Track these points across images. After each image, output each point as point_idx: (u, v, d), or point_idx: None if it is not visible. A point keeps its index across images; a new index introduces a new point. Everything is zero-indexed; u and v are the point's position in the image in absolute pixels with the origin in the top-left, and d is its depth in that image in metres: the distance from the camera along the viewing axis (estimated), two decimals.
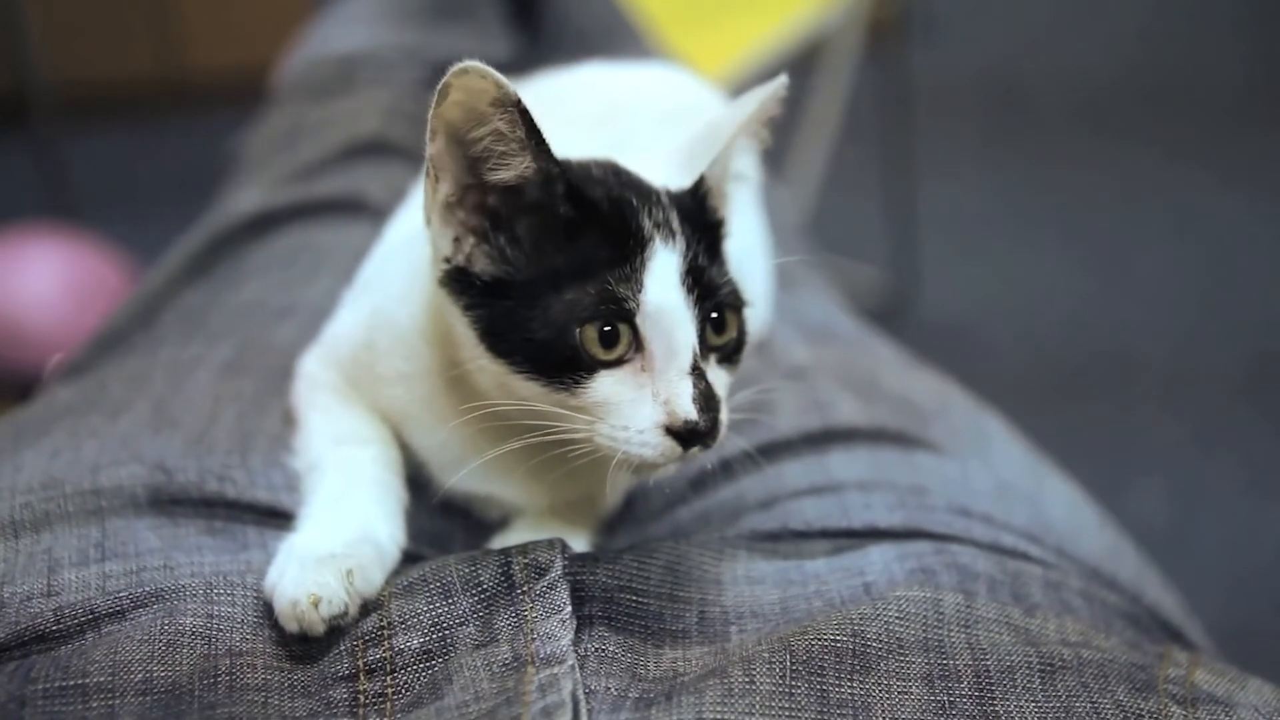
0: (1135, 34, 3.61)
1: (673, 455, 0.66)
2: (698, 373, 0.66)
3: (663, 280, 0.66)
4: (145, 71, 3.16)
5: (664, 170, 0.72)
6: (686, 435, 0.65)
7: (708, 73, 1.39)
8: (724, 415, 0.67)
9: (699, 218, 0.70)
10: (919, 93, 2.66)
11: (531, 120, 0.64)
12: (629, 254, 0.66)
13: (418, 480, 0.78)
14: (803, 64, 2.22)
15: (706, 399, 0.65)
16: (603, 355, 0.65)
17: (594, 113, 0.87)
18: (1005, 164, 2.99)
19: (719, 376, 0.68)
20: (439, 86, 0.63)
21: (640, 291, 0.65)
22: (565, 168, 0.67)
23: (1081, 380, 2.31)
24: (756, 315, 0.98)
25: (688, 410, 0.65)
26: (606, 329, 0.65)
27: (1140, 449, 2.13)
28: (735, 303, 0.70)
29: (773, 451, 0.86)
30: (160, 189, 2.89)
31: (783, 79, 0.70)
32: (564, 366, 0.65)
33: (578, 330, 0.65)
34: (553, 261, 0.66)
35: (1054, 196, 2.86)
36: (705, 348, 0.67)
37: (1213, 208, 2.78)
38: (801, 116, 2.31)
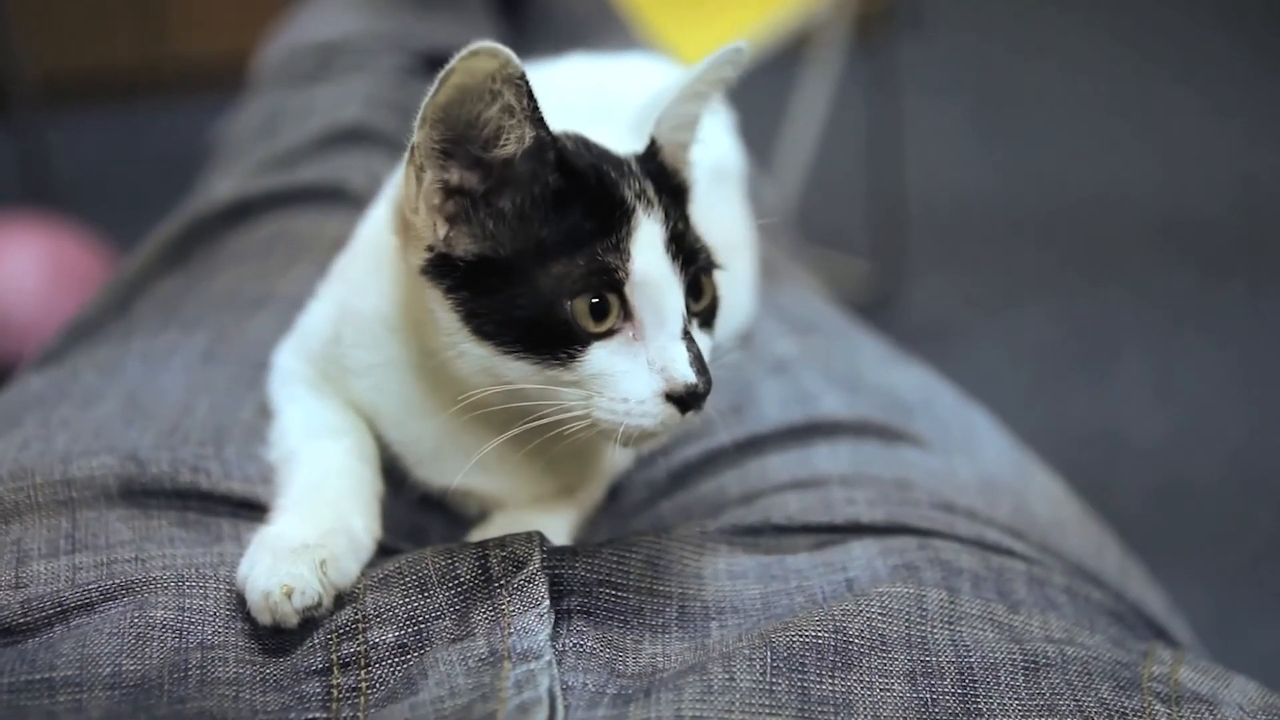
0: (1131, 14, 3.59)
1: (672, 422, 0.66)
2: (688, 338, 0.66)
3: (649, 249, 0.66)
4: (127, 59, 3.13)
5: (621, 141, 0.72)
6: (686, 399, 0.65)
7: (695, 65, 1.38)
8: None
9: (665, 182, 0.70)
10: (907, 84, 2.65)
11: (532, 90, 0.64)
12: (614, 224, 0.66)
13: (393, 474, 0.77)
14: (790, 55, 2.20)
15: (700, 362, 0.66)
16: (593, 328, 0.65)
17: (578, 104, 0.86)
18: (994, 155, 2.98)
19: (702, 340, 0.69)
20: (441, 73, 0.62)
21: (628, 261, 0.65)
22: (555, 137, 0.67)
23: (1067, 372, 2.31)
24: (741, 307, 0.97)
25: (686, 374, 0.65)
26: (596, 301, 0.65)
27: (1127, 439, 2.13)
28: (711, 266, 0.70)
29: (756, 445, 0.85)
30: (142, 177, 2.86)
31: (740, 44, 0.70)
32: (556, 341, 0.65)
33: (569, 303, 0.64)
34: (538, 234, 0.66)
35: (1044, 186, 2.85)
36: (688, 313, 0.68)
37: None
38: (789, 108, 2.30)
